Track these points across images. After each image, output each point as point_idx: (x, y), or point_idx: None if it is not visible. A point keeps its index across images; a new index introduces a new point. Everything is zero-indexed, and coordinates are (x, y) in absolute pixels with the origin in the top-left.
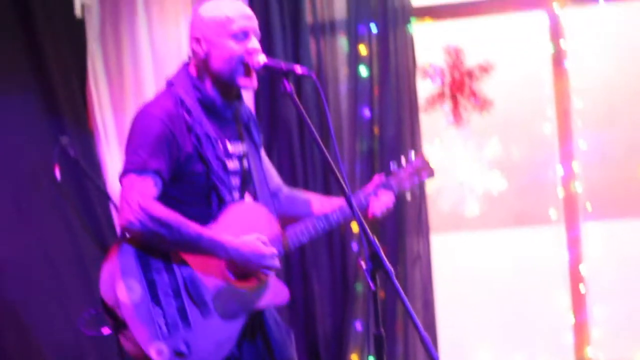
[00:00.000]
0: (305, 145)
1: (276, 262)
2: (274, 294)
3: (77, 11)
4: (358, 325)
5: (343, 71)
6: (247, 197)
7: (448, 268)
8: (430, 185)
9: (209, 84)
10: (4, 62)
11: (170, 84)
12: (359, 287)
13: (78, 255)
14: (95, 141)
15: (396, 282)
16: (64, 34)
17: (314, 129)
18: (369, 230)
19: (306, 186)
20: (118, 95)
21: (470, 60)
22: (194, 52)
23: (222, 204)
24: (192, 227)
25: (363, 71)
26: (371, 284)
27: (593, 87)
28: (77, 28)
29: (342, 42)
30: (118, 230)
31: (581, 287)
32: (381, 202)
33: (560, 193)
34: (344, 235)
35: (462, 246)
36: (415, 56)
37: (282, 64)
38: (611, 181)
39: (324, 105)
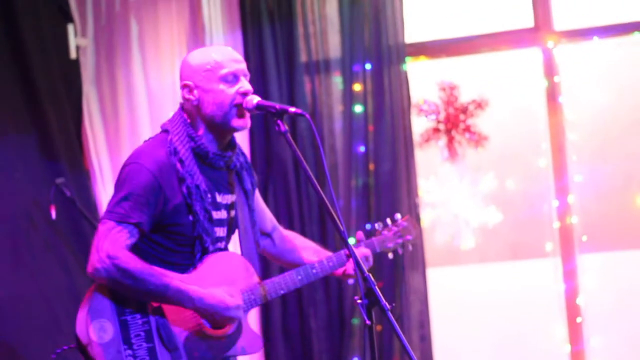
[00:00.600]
0: (301, 184)
1: (239, 314)
2: (247, 341)
3: (72, 52)
4: None
5: (338, 108)
6: (233, 248)
7: (445, 302)
8: (425, 219)
9: (203, 131)
10: (1, 105)
11: (165, 130)
12: (356, 322)
13: (74, 294)
14: (91, 181)
15: (392, 318)
16: (59, 75)
17: (307, 168)
18: (364, 267)
19: (302, 224)
20: (113, 135)
21: (465, 97)
22: (185, 99)
23: (205, 254)
24: (160, 277)
25: (358, 108)
26: (366, 319)
27: (587, 121)
28: (72, 69)
29: (336, 80)
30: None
31: (578, 319)
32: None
33: (556, 226)
34: None
35: (459, 280)
36: (409, 93)
37: (275, 104)
38: (607, 213)
39: (318, 144)
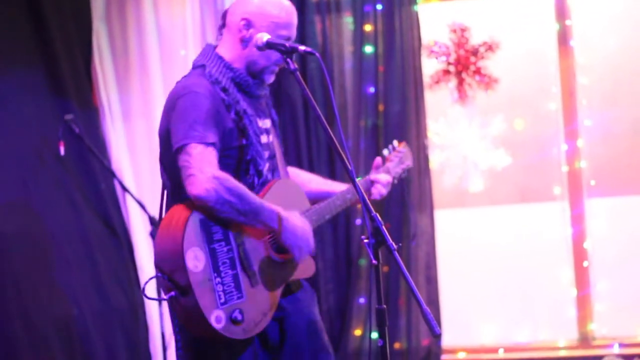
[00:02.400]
0: (310, 123)
1: (312, 248)
2: (306, 266)
3: None
4: (361, 301)
5: (348, 49)
6: (283, 172)
7: (452, 243)
8: (434, 161)
9: (238, 64)
10: (9, 40)
11: (200, 65)
12: (363, 263)
13: (81, 231)
14: (100, 118)
15: (398, 258)
16: (69, 11)
17: (317, 107)
18: (371, 207)
19: (311, 163)
20: (123, 73)
21: (476, 39)
22: (236, 29)
23: (260, 176)
24: (256, 198)
25: (368, 49)
26: (372, 259)
27: (598, 65)
28: (83, 5)
29: (347, 20)
30: (190, 194)
31: (584, 263)
32: (385, 182)
33: (565, 170)
34: (347, 212)
35: (466, 222)
36: (420, 34)
37: (285, 43)
38: (615, 158)
39: (328, 83)
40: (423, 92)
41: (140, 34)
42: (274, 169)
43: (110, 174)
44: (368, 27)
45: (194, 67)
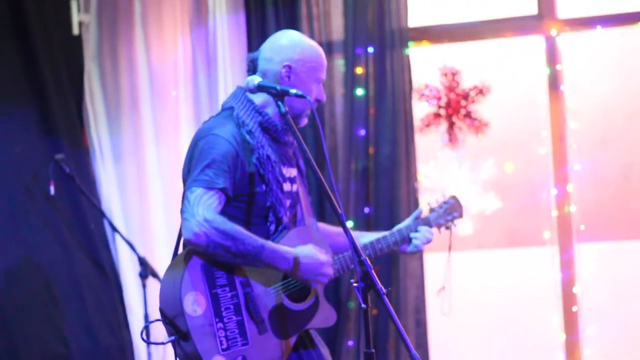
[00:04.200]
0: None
1: (330, 270)
2: (324, 315)
3: (75, 28)
4: (350, 344)
5: (339, 91)
6: (307, 220)
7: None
8: (424, 204)
9: (271, 110)
10: (2, 79)
11: (229, 108)
12: (352, 305)
13: (70, 270)
14: (91, 158)
15: (387, 302)
16: (61, 51)
17: (307, 150)
18: (360, 251)
19: None
20: (114, 113)
21: (467, 82)
22: (276, 76)
23: (279, 224)
24: (256, 239)
25: (359, 91)
26: (362, 303)
27: (588, 110)
28: (75, 45)
29: (338, 63)
30: (184, 240)
31: (574, 308)
32: (422, 237)
33: (554, 214)
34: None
35: (455, 265)
36: (411, 77)
37: (277, 86)
38: (605, 203)
39: (318, 126)
40: (413, 135)
41: (132, 74)
42: (296, 218)
43: (100, 214)
44: (359, 70)
45: (223, 108)
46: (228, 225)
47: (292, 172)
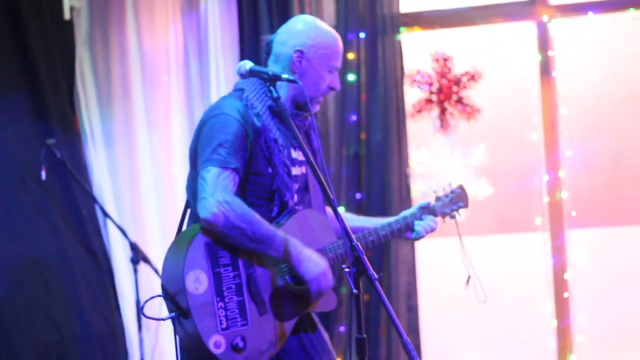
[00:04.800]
0: None
1: (330, 284)
2: (325, 299)
3: (66, 13)
4: (342, 329)
5: None
6: (314, 203)
7: (433, 273)
8: (415, 190)
9: (284, 95)
10: None
11: (239, 89)
12: (343, 291)
13: (62, 256)
14: (82, 143)
15: (379, 287)
16: (52, 36)
17: (299, 135)
18: (352, 236)
19: None
20: (106, 98)
21: (459, 68)
22: (287, 60)
23: (284, 208)
24: (269, 225)
25: (351, 77)
26: (353, 288)
27: (580, 96)
28: (66, 30)
29: None
30: (201, 219)
31: (565, 294)
32: (427, 225)
33: (546, 200)
34: None
35: (447, 251)
36: (403, 63)
37: (268, 71)
38: (596, 189)
39: (310, 111)
40: (405, 121)
41: (123, 60)
42: (304, 202)
43: (92, 199)
44: (351, 56)
45: (235, 89)
46: (246, 208)
47: (300, 155)
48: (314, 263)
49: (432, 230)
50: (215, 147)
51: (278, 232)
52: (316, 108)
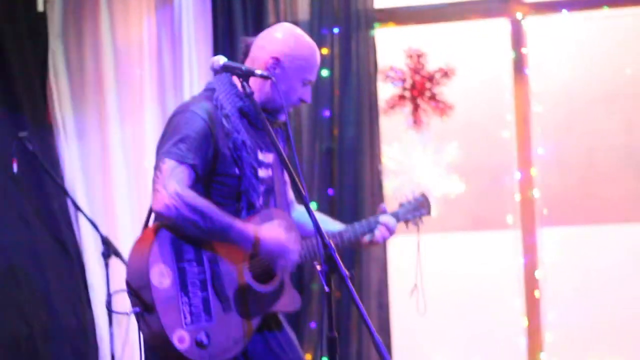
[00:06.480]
0: None
1: (295, 256)
2: (289, 299)
3: (40, 5)
4: (313, 326)
5: None
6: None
7: (404, 270)
8: (387, 187)
9: (256, 99)
10: None
11: (211, 89)
12: (315, 287)
13: (33, 249)
14: (54, 136)
15: (351, 285)
16: (25, 28)
17: (272, 130)
18: (324, 234)
19: None
20: (78, 91)
21: (432, 65)
22: (262, 65)
23: (250, 209)
24: (225, 216)
25: (324, 72)
26: (325, 286)
27: (552, 94)
28: (39, 22)
29: None
30: (154, 212)
31: (536, 292)
32: (384, 230)
33: (518, 198)
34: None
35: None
36: (376, 59)
37: (242, 66)
38: (568, 187)
39: (283, 106)
40: (378, 117)
41: (97, 52)
42: (268, 204)
43: (63, 193)
44: (324, 51)
45: (205, 89)
46: (198, 200)
47: (269, 157)
48: (276, 241)
49: (385, 239)
50: (176, 142)
51: (235, 223)
52: (283, 117)
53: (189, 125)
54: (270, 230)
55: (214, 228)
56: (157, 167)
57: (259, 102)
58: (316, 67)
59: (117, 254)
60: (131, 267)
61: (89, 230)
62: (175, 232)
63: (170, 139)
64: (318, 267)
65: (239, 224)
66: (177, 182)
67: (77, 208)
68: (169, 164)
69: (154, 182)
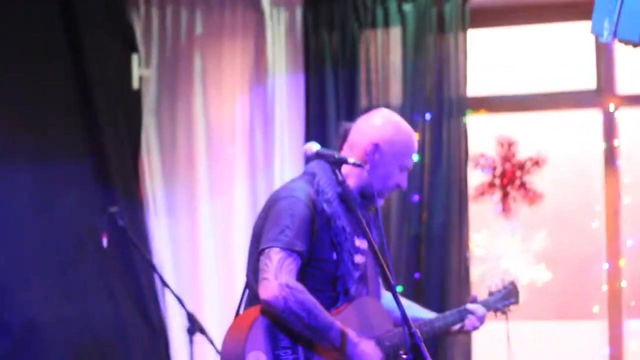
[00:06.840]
0: None
1: None
2: None
3: (135, 82)
4: None
5: None
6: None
7: (486, 356)
8: (474, 273)
9: (353, 183)
10: (60, 130)
11: (311, 174)
12: None
13: (119, 323)
14: (144, 212)
15: None
16: (120, 104)
17: (360, 215)
18: (411, 322)
19: None
20: (170, 167)
21: (523, 153)
22: (361, 150)
23: (346, 295)
24: (327, 315)
25: (415, 157)
26: None
27: None
28: (134, 99)
29: None
30: (261, 299)
31: None
32: (473, 321)
33: (605, 289)
34: None
35: (503, 336)
36: (467, 145)
37: (334, 153)
38: None
39: (373, 192)
40: (467, 203)
41: (189, 129)
42: (361, 290)
43: (151, 268)
44: (416, 136)
45: (305, 172)
46: (307, 296)
47: (364, 244)
48: (369, 358)
49: (475, 328)
50: (283, 229)
51: (335, 324)
52: (381, 202)
53: (294, 211)
54: (366, 347)
55: (317, 326)
56: (266, 255)
57: (356, 188)
58: (414, 153)
59: (202, 331)
60: (226, 351)
61: (175, 305)
62: (272, 320)
63: (277, 225)
64: (404, 357)
65: (339, 325)
66: (288, 274)
67: (164, 284)
68: (279, 253)
69: (263, 270)
